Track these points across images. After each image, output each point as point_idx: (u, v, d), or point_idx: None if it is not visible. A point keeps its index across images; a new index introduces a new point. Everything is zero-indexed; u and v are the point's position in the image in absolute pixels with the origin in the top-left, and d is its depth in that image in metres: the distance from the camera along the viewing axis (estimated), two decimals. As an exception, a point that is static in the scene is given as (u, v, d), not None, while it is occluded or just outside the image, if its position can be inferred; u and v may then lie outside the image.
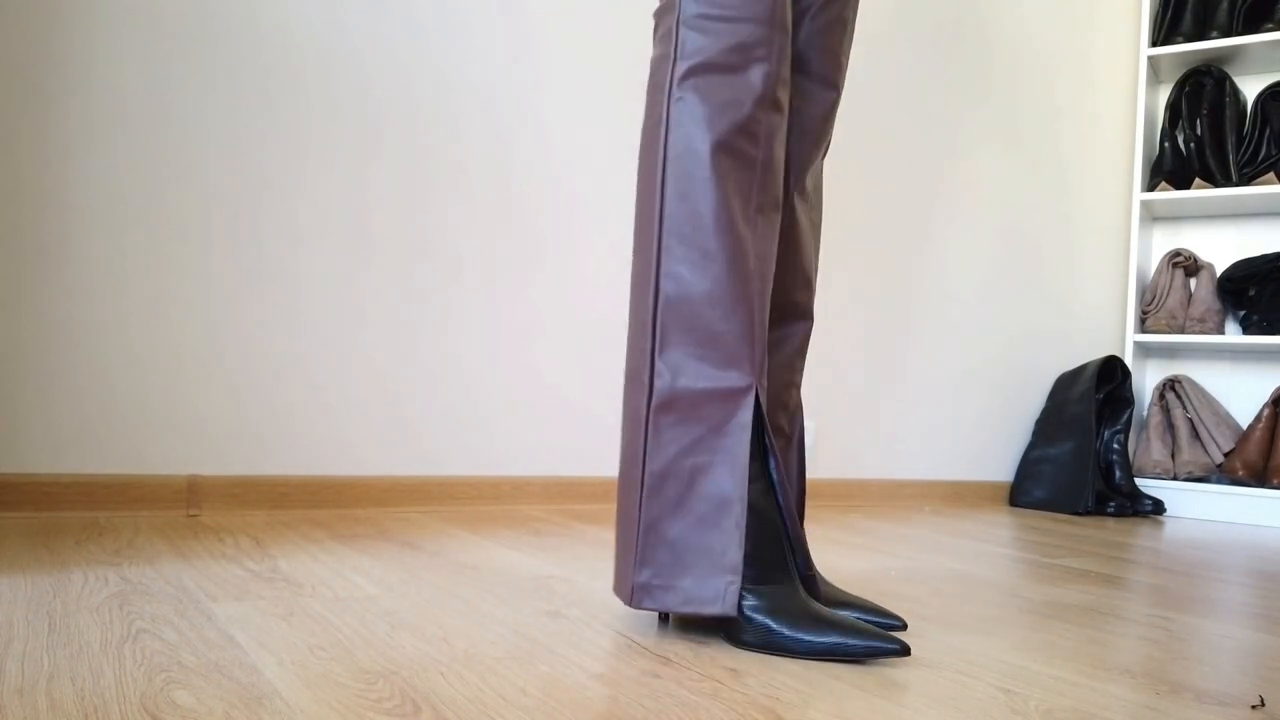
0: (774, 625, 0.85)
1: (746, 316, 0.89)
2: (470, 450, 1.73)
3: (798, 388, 1.04)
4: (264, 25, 1.52)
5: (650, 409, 0.90)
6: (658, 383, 0.90)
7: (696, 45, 0.90)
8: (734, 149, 0.89)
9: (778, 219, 0.94)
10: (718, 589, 0.86)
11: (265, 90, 1.52)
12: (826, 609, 0.88)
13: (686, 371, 0.89)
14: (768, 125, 0.91)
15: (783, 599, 0.87)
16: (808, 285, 1.03)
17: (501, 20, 1.77)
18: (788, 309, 1.03)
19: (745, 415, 0.88)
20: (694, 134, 0.90)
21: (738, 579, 0.85)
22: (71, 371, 1.37)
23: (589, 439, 1.87)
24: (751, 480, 0.89)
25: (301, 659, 0.73)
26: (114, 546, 1.13)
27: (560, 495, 1.82)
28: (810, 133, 1.01)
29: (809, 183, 1.03)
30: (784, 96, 0.92)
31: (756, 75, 0.89)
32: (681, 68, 0.90)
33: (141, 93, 1.42)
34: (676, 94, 0.90)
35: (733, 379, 0.89)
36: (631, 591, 0.88)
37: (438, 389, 1.69)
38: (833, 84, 1.02)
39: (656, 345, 0.90)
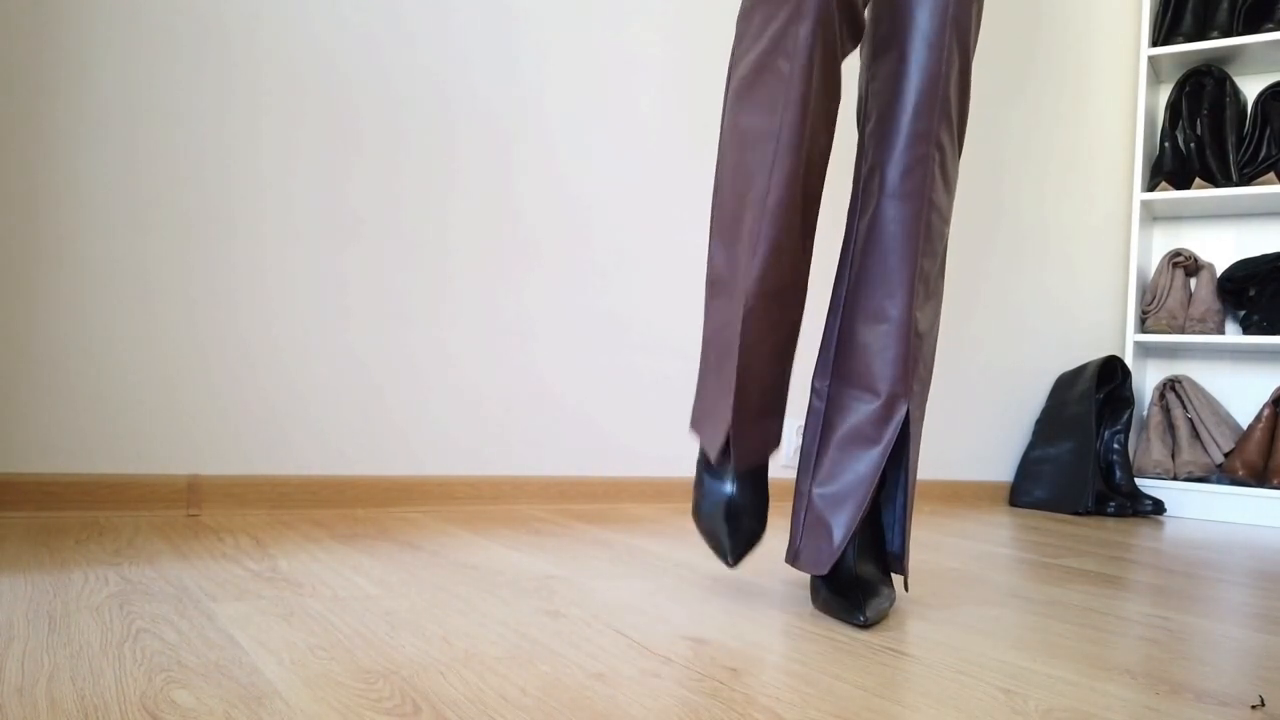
0: (694, 502, 1.11)
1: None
2: (470, 450, 1.73)
3: (901, 397, 1.03)
4: (235, 18, 1.52)
5: None
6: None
7: (737, 43, 1.03)
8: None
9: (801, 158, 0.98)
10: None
11: (257, 86, 1.52)
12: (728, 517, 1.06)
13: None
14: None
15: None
16: (900, 286, 1.02)
17: (497, 6, 1.76)
18: (881, 312, 1.04)
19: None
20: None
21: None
22: (71, 371, 1.37)
23: (589, 439, 1.87)
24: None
25: (301, 659, 0.73)
26: (114, 546, 1.13)
27: (560, 495, 1.82)
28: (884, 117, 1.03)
29: (900, 174, 1.02)
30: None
31: (785, 55, 0.96)
32: (738, 66, 1.02)
33: (140, 92, 1.42)
34: (738, 71, 1.02)
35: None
36: (691, 416, 1.21)
37: (438, 389, 1.69)
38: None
39: (711, 230, 1.07)
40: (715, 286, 1.05)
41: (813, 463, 1.06)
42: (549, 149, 1.82)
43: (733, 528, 1.05)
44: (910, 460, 1.04)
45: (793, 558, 1.05)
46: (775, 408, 1.07)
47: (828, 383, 1.07)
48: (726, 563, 1.07)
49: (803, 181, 0.98)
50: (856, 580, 1.00)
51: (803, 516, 1.06)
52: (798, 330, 1.05)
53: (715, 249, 1.05)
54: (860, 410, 1.04)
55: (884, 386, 1.02)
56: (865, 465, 1.02)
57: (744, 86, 1.00)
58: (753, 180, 0.98)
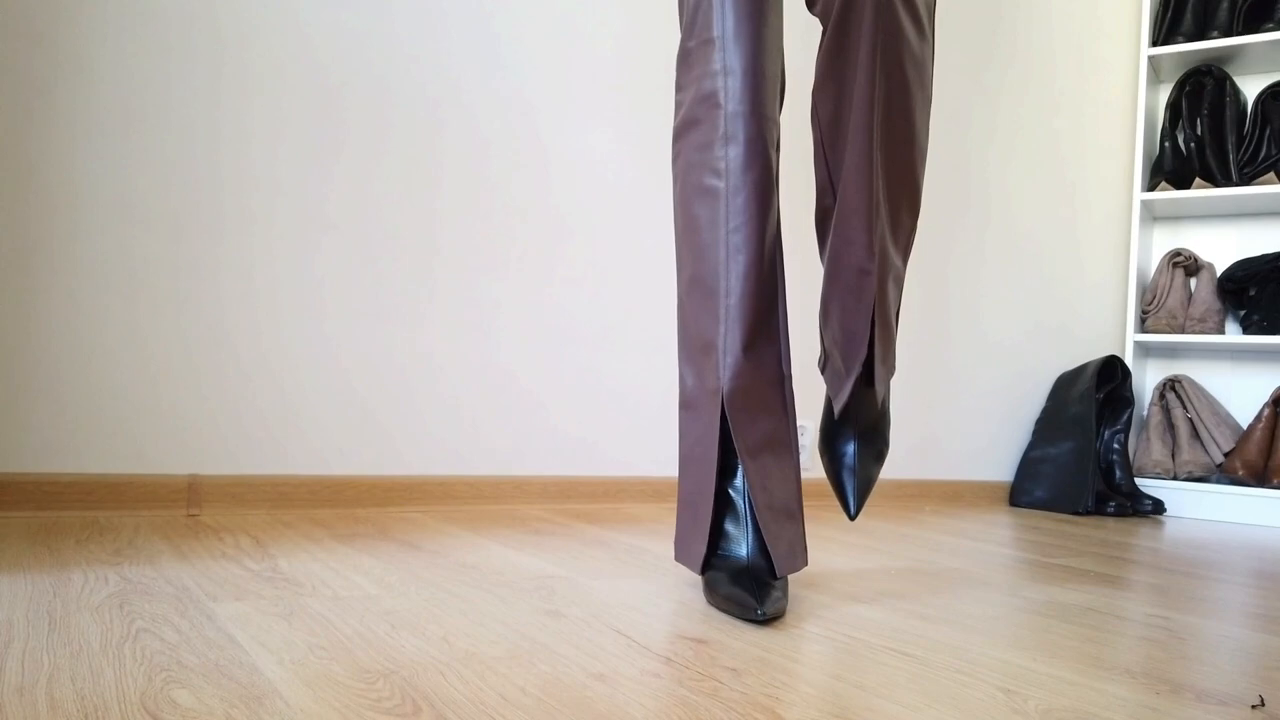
0: (705, 582, 1.04)
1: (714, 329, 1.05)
2: (470, 450, 1.73)
3: (868, 273, 1.04)
4: (227, 20, 1.52)
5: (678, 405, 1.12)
6: (679, 385, 1.12)
7: (679, 105, 1.09)
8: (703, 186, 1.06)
9: (758, 236, 1.04)
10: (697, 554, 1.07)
11: (243, 85, 1.52)
12: (738, 582, 0.99)
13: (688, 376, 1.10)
14: (727, 159, 1.04)
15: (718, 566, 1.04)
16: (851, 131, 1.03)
17: (484, 8, 1.76)
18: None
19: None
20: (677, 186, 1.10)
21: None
22: (71, 371, 1.37)
23: (588, 439, 1.87)
24: (732, 470, 1.05)
25: (301, 658, 0.73)
26: (114, 546, 1.13)
27: (560, 495, 1.82)
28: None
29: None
30: (747, 128, 1.03)
31: (712, 120, 1.04)
32: (676, 140, 1.09)
33: (146, 93, 1.42)
34: (676, 158, 1.09)
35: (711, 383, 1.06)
36: (674, 546, 1.13)
37: (438, 389, 1.69)
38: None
39: (680, 354, 1.11)
40: (688, 406, 1.10)
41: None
42: (540, 150, 1.82)
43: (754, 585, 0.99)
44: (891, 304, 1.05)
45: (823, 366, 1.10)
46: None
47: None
48: (755, 615, 0.95)
49: (762, 278, 1.04)
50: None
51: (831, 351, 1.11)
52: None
53: (685, 371, 1.10)
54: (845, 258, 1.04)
55: (856, 262, 1.02)
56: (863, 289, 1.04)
57: (686, 175, 1.07)
58: (711, 301, 1.05)
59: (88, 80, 1.38)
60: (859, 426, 1.10)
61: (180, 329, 1.45)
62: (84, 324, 1.38)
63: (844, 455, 1.10)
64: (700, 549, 1.06)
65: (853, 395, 1.07)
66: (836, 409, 1.08)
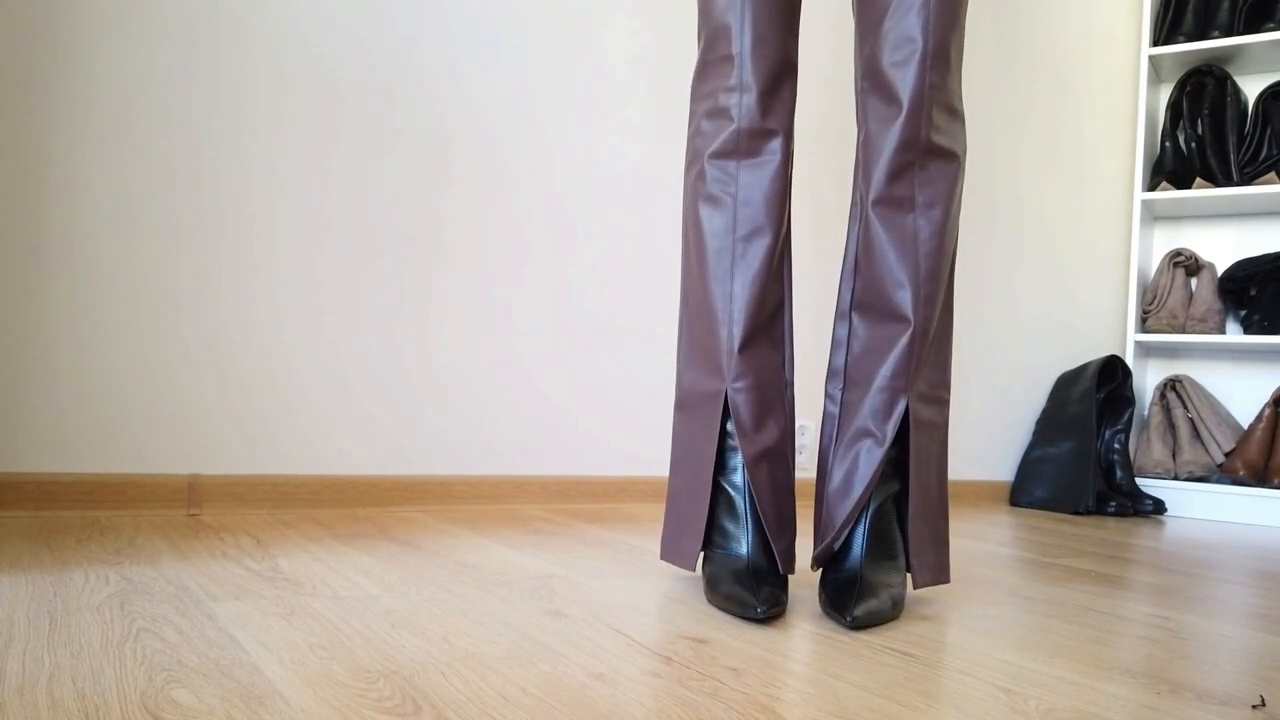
0: (706, 581, 1.04)
1: (719, 331, 1.08)
2: (469, 450, 1.73)
3: (901, 392, 1.03)
4: (224, 18, 1.52)
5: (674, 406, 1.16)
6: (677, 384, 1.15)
7: (693, 115, 1.13)
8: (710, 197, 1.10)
9: (765, 243, 1.07)
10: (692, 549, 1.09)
11: (250, 84, 1.52)
12: (737, 579, 0.99)
13: (688, 377, 1.13)
14: (737, 172, 1.08)
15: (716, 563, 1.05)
16: (900, 287, 1.04)
17: (488, 8, 1.76)
18: (885, 311, 1.05)
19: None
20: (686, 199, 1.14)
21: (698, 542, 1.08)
22: (72, 370, 1.37)
23: (589, 439, 1.87)
24: (730, 469, 1.07)
25: (302, 658, 0.73)
26: (115, 546, 1.13)
27: (560, 495, 1.82)
28: (876, 150, 1.05)
29: (890, 192, 1.04)
30: (758, 143, 1.07)
31: (725, 134, 1.08)
32: (689, 149, 1.13)
33: (145, 93, 1.42)
34: (689, 167, 1.13)
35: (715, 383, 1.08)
36: (661, 545, 1.15)
37: (438, 389, 1.69)
38: (895, 101, 1.03)
39: (680, 355, 1.14)
40: (684, 406, 1.11)
41: (827, 464, 1.08)
42: (543, 151, 1.82)
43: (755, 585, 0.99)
44: (914, 459, 1.04)
45: (814, 558, 1.06)
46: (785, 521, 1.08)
47: (840, 387, 1.09)
48: (755, 613, 0.95)
49: (768, 285, 1.07)
50: (856, 579, 1.00)
51: (819, 516, 1.07)
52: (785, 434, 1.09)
53: (685, 373, 1.11)
54: (864, 408, 1.04)
55: (885, 383, 1.03)
56: (865, 460, 1.03)
57: (698, 183, 1.10)
58: (715, 306, 1.07)
59: (86, 79, 1.38)
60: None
61: (180, 328, 1.45)
62: (84, 324, 1.38)
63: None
64: (694, 545, 1.08)
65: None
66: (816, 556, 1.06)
